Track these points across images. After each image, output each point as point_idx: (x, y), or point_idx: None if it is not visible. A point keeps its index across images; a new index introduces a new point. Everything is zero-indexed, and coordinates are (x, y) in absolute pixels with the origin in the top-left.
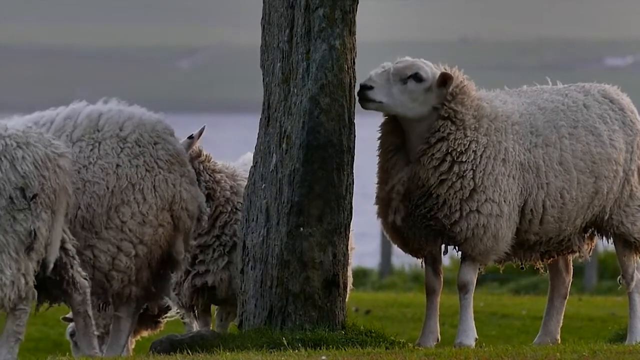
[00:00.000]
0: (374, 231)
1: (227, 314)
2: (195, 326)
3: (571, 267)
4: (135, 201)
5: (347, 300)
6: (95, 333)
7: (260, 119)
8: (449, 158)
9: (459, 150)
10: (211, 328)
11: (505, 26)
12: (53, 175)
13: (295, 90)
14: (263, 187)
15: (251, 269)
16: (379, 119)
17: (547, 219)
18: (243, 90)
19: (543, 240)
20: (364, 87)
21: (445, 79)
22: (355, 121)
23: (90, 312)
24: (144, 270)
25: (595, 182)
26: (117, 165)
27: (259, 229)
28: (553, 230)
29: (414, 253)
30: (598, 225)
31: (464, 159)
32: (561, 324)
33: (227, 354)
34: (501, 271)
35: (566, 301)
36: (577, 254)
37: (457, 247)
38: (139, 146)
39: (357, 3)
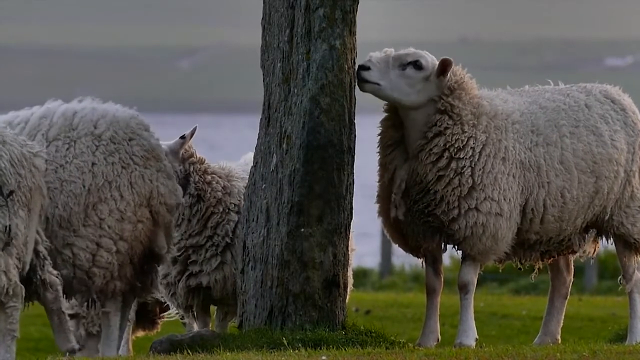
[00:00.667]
0: (374, 231)
1: (225, 314)
2: (195, 326)
3: (572, 267)
4: (113, 198)
5: (347, 300)
6: (72, 328)
7: (261, 119)
8: (446, 154)
9: (456, 146)
10: (210, 328)
11: (505, 26)
12: (29, 174)
13: (296, 91)
14: (263, 187)
15: (251, 269)
16: (379, 118)
17: (548, 219)
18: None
19: (543, 239)
20: (362, 68)
21: (445, 65)
22: (355, 121)
23: (64, 309)
24: (127, 266)
25: (596, 182)
26: (93, 164)
27: (259, 229)
28: (554, 229)
29: (415, 252)
30: (599, 226)
31: (461, 156)
32: (562, 324)
33: (228, 354)
34: (500, 270)
35: (567, 301)
36: (578, 254)
37: (456, 247)
38: (114, 143)
39: (358, 3)
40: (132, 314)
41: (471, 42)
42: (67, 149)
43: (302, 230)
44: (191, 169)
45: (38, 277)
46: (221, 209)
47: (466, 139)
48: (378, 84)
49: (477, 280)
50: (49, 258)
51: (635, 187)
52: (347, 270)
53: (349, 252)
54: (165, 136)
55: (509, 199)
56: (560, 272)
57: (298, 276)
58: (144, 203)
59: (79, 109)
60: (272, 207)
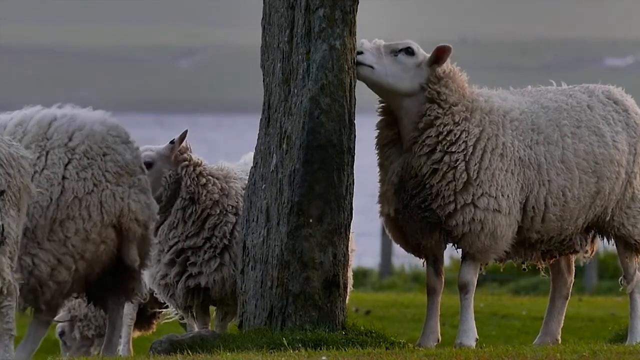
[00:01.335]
0: (374, 231)
1: (224, 314)
2: (195, 327)
3: (573, 267)
4: (81, 217)
5: (347, 300)
6: (14, 334)
7: (261, 119)
8: (439, 147)
9: (449, 139)
10: (210, 328)
11: (505, 26)
12: (17, 174)
13: (296, 91)
14: (263, 187)
15: (251, 270)
16: (378, 119)
17: (549, 217)
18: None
19: (544, 239)
20: (358, 53)
21: (441, 52)
22: (355, 121)
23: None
24: (78, 284)
25: (597, 182)
26: (64, 177)
27: (259, 229)
28: (555, 228)
29: (416, 252)
30: (600, 227)
31: (454, 150)
32: (562, 325)
33: (228, 354)
34: (501, 270)
35: (567, 302)
36: (579, 254)
37: (456, 245)
38: (88, 158)
39: (357, 3)
40: (133, 315)
41: (471, 42)
42: (38, 158)
43: (302, 230)
44: (183, 172)
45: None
46: (218, 211)
47: (459, 133)
48: (372, 67)
49: (477, 281)
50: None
51: (636, 188)
52: (347, 271)
53: (349, 253)
54: (165, 136)
55: (508, 196)
56: (561, 272)
57: (298, 276)
58: (112, 222)
59: (58, 116)
60: (272, 208)
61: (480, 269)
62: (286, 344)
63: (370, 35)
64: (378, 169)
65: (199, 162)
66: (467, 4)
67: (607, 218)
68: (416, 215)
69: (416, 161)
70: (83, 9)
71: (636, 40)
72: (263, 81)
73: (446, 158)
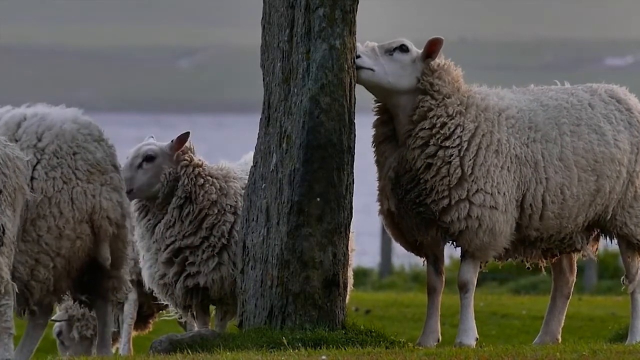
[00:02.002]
0: (374, 230)
1: (224, 314)
2: (195, 326)
3: (575, 267)
4: (52, 215)
5: (347, 300)
6: (13, 333)
7: (261, 118)
8: (433, 141)
9: (442, 132)
10: (210, 327)
11: (505, 26)
12: (13, 175)
13: (296, 90)
14: (263, 186)
15: (251, 269)
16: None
17: (548, 215)
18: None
19: (544, 236)
20: (356, 57)
21: (434, 45)
22: (355, 121)
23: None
24: (63, 280)
25: (597, 181)
26: (32, 178)
27: (259, 228)
28: (554, 226)
29: (415, 251)
30: (601, 226)
31: (448, 144)
32: (562, 324)
33: (228, 353)
34: (500, 267)
35: (568, 301)
36: (581, 253)
37: (454, 243)
38: (57, 157)
39: (357, 3)
40: (133, 314)
41: (471, 42)
42: None
43: (302, 229)
44: (182, 172)
45: None
46: (216, 211)
47: (453, 127)
48: (372, 69)
49: (477, 280)
50: None
51: (639, 187)
52: (347, 270)
53: (349, 252)
54: (165, 136)
55: (504, 193)
56: (563, 272)
57: (298, 276)
58: (84, 219)
59: (29, 115)
60: (272, 207)
61: (481, 267)
62: (286, 343)
63: (370, 35)
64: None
65: (200, 163)
66: (467, 4)
67: (608, 217)
68: (411, 210)
69: (410, 154)
70: (83, 9)
71: (636, 40)
72: (263, 81)
73: (440, 153)
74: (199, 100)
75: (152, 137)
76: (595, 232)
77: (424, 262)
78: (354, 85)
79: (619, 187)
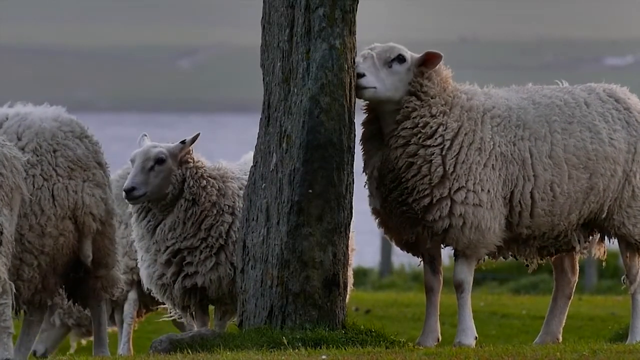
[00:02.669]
0: (374, 230)
1: (223, 313)
2: (195, 326)
3: (577, 267)
4: (33, 213)
5: (347, 299)
6: (12, 332)
7: (261, 118)
8: (414, 139)
9: (424, 131)
10: (209, 327)
11: (505, 26)
12: (10, 174)
13: (296, 90)
14: (263, 186)
15: (251, 269)
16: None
17: (538, 212)
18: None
19: (536, 234)
20: (359, 75)
21: (433, 59)
22: (355, 120)
23: None
24: (50, 278)
25: (590, 179)
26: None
27: (259, 228)
28: (545, 224)
29: (409, 249)
30: (599, 225)
31: (429, 143)
32: (563, 324)
33: (227, 353)
34: (493, 265)
35: (570, 302)
36: (581, 254)
37: (443, 243)
38: (37, 155)
39: (357, 3)
40: (133, 313)
41: (471, 42)
42: None
43: (302, 229)
44: (187, 173)
45: None
46: (215, 212)
47: (436, 126)
48: (375, 87)
49: (477, 280)
50: None
51: (637, 187)
52: (347, 270)
53: (349, 252)
54: (165, 136)
55: (488, 190)
56: (564, 272)
57: (298, 275)
58: (67, 215)
59: (10, 115)
60: (272, 207)
61: (478, 263)
62: (286, 343)
63: (370, 35)
64: None
65: (201, 164)
66: (467, 4)
67: (604, 215)
68: (396, 209)
69: (392, 154)
70: (83, 9)
71: (636, 40)
72: (263, 80)
73: (421, 152)
74: (200, 100)
75: (146, 135)
76: (596, 233)
77: (420, 261)
78: (354, 84)
79: (614, 185)
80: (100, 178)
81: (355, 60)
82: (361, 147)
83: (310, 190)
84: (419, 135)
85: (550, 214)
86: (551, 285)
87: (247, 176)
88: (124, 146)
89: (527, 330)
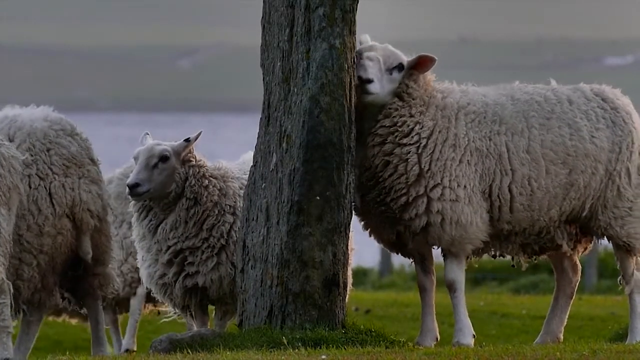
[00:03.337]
0: None
1: (223, 313)
2: (194, 326)
3: (579, 267)
4: (30, 213)
5: (347, 299)
6: (11, 331)
7: (261, 118)
8: (390, 138)
9: (401, 130)
10: (209, 327)
11: (505, 26)
12: (7, 174)
13: (296, 90)
14: (263, 186)
15: (251, 268)
16: None
17: (517, 207)
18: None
19: (517, 230)
20: (367, 81)
21: (423, 61)
22: (355, 120)
23: None
24: (50, 277)
25: (570, 175)
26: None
27: (259, 228)
28: (525, 219)
29: (400, 251)
30: (584, 225)
31: (405, 142)
32: (564, 324)
33: (227, 353)
34: (476, 265)
35: (571, 301)
36: (564, 251)
37: (427, 243)
38: (31, 155)
39: (357, 2)
40: (140, 309)
41: (471, 42)
42: None
43: (302, 229)
44: (190, 172)
45: None
46: (217, 212)
47: (413, 124)
48: (377, 94)
49: (477, 279)
50: None
51: (623, 187)
52: (346, 270)
53: (349, 252)
54: (165, 135)
55: (465, 186)
56: (565, 271)
57: (298, 275)
58: (64, 213)
59: (0, 118)
60: (272, 206)
61: (468, 259)
62: (286, 342)
63: (370, 34)
64: None
65: (202, 163)
66: (467, 4)
67: (585, 213)
68: (374, 209)
69: (370, 152)
70: (83, 9)
71: (636, 39)
72: (263, 80)
73: (397, 150)
74: (200, 100)
75: (148, 133)
76: (577, 230)
77: (411, 262)
78: (354, 84)
79: (596, 183)
80: (95, 174)
81: (364, 55)
82: None
83: (310, 190)
84: (395, 134)
85: (529, 209)
86: (551, 284)
87: (247, 176)
88: (124, 146)
89: (527, 330)
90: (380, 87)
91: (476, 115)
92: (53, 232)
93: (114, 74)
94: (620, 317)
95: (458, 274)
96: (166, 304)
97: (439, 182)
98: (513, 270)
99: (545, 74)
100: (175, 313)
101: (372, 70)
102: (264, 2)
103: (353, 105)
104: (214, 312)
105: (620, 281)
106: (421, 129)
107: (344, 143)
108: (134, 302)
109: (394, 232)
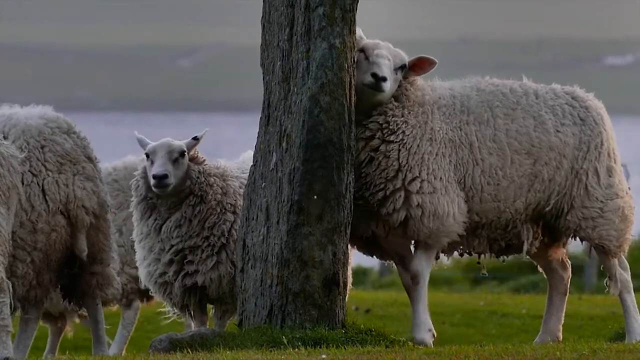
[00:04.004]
0: None
1: (223, 312)
2: (193, 325)
3: (568, 264)
4: (23, 210)
5: (347, 299)
6: (10, 330)
7: (261, 117)
8: (379, 134)
9: (391, 128)
10: (208, 327)
11: (505, 25)
12: (7, 173)
13: (296, 89)
14: (263, 185)
15: (251, 268)
16: None
17: (485, 197)
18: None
19: (484, 222)
20: (383, 79)
21: (422, 63)
22: (355, 120)
23: None
24: (44, 274)
25: (534, 165)
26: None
27: (259, 227)
28: (492, 210)
29: (372, 252)
30: (552, 225)
31: (392, 139)
32: (562, 322)
33: (227, 352)
34: (445, 267)
35: (566, 299)
36: (526, 247)
37: (405, 236)
38: (26, 152)
39: (357, 2)
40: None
41: (471, 41)
42: None
43: (302, 228)
44: (197, 169)
45: None
46: (219, 210)
47: (401, 123)
48: (387, 92)
49: (477, 279)
50: None
51: (591, 186)
52: (346, 269)
53: (349, 251)
54: (165, 135)
55: (441, 178)
56: (554, 270)
57: (298, 275)
58: (58, 209)
59: None
60: (271, 206)
61: (438, 258)
62: (286, 342)
63: (370, 35)
64: None
65: (206, 161)
66: (467, 3)
67: (549, 208)
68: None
69: (357, 144)
70: (83, 9)
71: (636, 39)
72: (263, 79)
73: (382, 147)
74: (200, 99)
75: (136, 132)
76: (542, 231)
77: (386, 263)
78: (354, 84)
79: (560, 178)
80: (91, 171)
81: (376, 53)
82: None
83: (310, 190)
84: (384, 131)
85: (495, 199)
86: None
87: (246, 175)
88: (124, 146)
89: (527, 329)
90: (390, 85)
91: (447, 108)
92: (47, 229)
93: (114, 74)
94: (620, 317)
95: (425, 267)
96: (164, 304)
97: (417, 175)
98: (513, 269)
99: (545, 73)
100: (174, 313)
101: (386, 68)
102: (264, 1)
103: (353, 104)
104: (211, 311)
105: (606, 283)
106: (406, 126)
107: (343, 142)
108: (130, 314)
109: (369, 229)
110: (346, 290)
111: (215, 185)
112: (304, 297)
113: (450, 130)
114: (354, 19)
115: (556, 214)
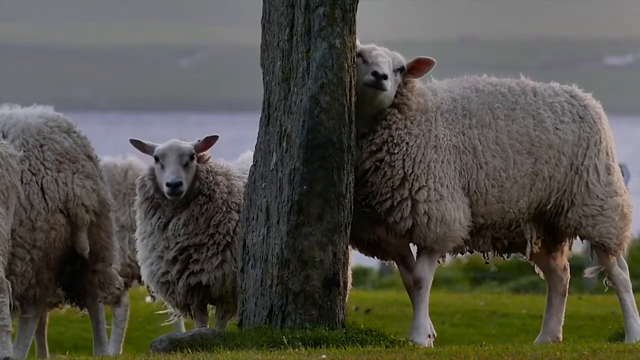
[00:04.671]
0: None
1: (224, 312)
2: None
3: (567, 265)
4: (22, 208)
5: (347, 299)
6: (10, 330)
7: (261, 117)
8: (385, 147)
9: (395, 142)
10: (209, 327)
11: (505, 25)
12: (6, 173)
13: (296, 89)
14: (263, 186)
15: (251, 268)
16: None
17: (490, 199)
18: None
19: (489, 223)
20: (384, 77)
21: (420, 64)
22: (355, 120)
23: None
24: (44, 272)
25: (535, 164)
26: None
27: (259, 227)
28: (496, 211)
29: (373, 253)
30: (553, 224)
31: (396, 151)
32: (562, 323)
33: (227, 352)
34: (442, 265)
35: (566, 299)
36: (529, 247)
37: (411, 242)
38: (24, 151)
39: (357, 2)
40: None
41: (471, 41)
42: None
43: (302, 229)
44: (205, 169)
45: None
46: (224, 208)
47: (405, 135)
48: (389, 91)
49: (477, 279)
50: None
51: (592, 183)
52: (347, 269)
53: (349, 251)
54: (165, 135)
55: (447, 185)
56: (552, 270)
57: (298, 275)
58: (58, 208)
59: None
60: (272, 206)
61: (444, 258)
62: (286, 342)
63: (370, 35)
64: None
65: (211, 160)
66: (467, 3)
67: (550, 206)
68: (356, 210)
69: (359, 154)
70: (83, 9)
71: (636, 39)
72: (263, 80)
73: (387, 158)
74: (200, 99)
75: (129, 139)
76: (544, 231)
77: (387, 263)
78: (354, 84)
79: (560, 175)
80: (91, 169)
81: (375, 53)
82: None
83: (310, 190)
84: (389, 144)
85: (500, 201)
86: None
87: (246, 175)
88: (124, 145)
89: (527, 329)
90: (391, 85)
91: (449, 113)
92: (46, 227)
93: (114, 74)
94: (620, 317)
95: (427, 271)
96: (165, 304)
97: (424, 184)
98: (513, 269)
99: (545, 73)
100: (175, 315)
101: (385, 67)
102: (264, 1)
103: (353, 105)
104: (211, 311)
105: (605, 282)
106: (410, 137)
107: (344, 142)
108: (120, 312)
109: (375, 233)
110: (346, 290)
111: (221, 184)
112: (304, 297)
113: (454, 136)
114: (354, 19)
115: (556, 211)
